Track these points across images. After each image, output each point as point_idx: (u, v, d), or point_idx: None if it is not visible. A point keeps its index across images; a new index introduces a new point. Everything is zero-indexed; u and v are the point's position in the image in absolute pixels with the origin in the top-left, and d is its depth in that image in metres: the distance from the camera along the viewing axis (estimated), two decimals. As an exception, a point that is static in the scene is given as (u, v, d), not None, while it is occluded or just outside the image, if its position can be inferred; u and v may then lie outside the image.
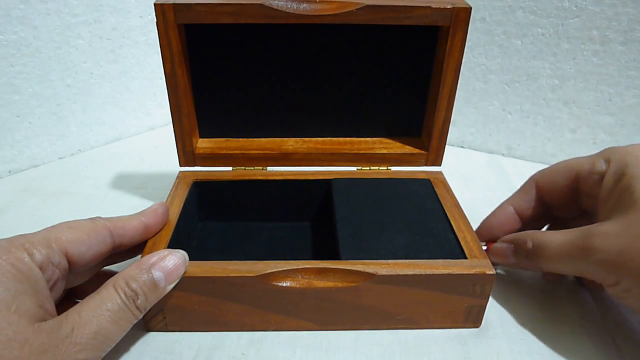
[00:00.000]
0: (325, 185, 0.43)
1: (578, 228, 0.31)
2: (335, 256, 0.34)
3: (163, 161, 0.57)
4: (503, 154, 0.60)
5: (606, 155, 0.33)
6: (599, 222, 0.31)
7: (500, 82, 0.57)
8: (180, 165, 0.43)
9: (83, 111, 0.58)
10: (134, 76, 0.61)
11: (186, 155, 0.43)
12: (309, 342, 0.33)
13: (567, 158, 0.37)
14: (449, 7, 0.36)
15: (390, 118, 0.45)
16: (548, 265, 0.33)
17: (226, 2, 0.35)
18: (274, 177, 0.43)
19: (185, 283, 0.31)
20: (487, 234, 0.39)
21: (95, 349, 0.26)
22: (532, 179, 0.38)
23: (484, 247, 0.38)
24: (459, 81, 0.40)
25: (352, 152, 0.44)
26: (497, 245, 0.37)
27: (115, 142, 0.62)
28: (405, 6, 0.36)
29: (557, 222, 0.39)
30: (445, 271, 0.31)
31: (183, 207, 0.38)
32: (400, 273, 0.31)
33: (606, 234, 0.29)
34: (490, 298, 0.34)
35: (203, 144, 0.44)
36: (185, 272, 0.31)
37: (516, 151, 0.59)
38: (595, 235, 0.30)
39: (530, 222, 0.38)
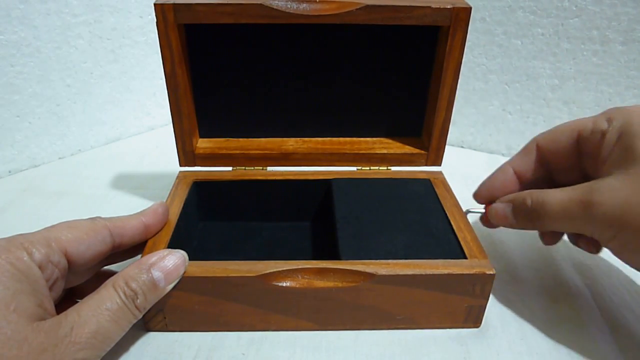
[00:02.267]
0: (325, 185, 0.43)
1: (578, 185, 0.31)
2: (335, 256, 0.34)
3: (163, 161, 0.57)
4: (503, 154, 0.60)
5: (608, 114, 0.33)
6: (599, 179, 0.31)
7: (500, 82, 0.57)
8: (180, 165, 0.43)
9: (83, 111, 0.58)
10: (134, 76, 0.61)
11: (186, 155, 0.43)
12: (309, 342, 0.33)
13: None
14: (449, 7, 0.36)
15: (390, 118, 0.45)
16: (548, 223, 0.32)
17: (226, 2, 0.35)
18: (274, 177, 0.43)
19: (185, 283, 0.31)
20: (487, 195, 0.38)
21: (95, 349, 0.26)
22: (533, 140, 0.37)
23: (482, 210, 0.38)
24: (459, 81, 0.40)
25: (352, 152, 0.44)
26: (496, 205, 0.36)
27: (115, 142, 0.62)
28: (405, 6, 0.36)
29: (559, 187, 0.38)
30: (445, 271, 0.31)
31: (183, 207, 0.38)
32: (400, 273, 0.31)
33: (606, 189, 0.29)
34: (490, 298, 0.34)
35: (203, 144, 0.44)
36: (185, 272, 0.31)
37: (516, 151, 0.59)
38: (595, 190, 0.30)
39: (531, 185, 0.37)
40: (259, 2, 0.35)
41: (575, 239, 0.37)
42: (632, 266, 0.32)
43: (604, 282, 0.39)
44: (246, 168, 0.44)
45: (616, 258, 0.32)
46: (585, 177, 0.35)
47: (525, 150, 0.38)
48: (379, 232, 0.36)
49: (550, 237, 0.37)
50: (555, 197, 0.32)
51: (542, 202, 0.32)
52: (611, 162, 0.31)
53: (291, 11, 0.36)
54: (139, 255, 0.33)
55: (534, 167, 0.37)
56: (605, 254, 0.40)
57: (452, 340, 0.33)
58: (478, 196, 0.39)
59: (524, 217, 0.34)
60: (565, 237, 0.38)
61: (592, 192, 0.30)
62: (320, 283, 0.31)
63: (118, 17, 0.57)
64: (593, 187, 0.30)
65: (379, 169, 0.44)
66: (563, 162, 0.36)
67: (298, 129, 0.45)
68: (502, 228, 0.37)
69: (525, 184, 0.38)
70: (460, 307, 0.33)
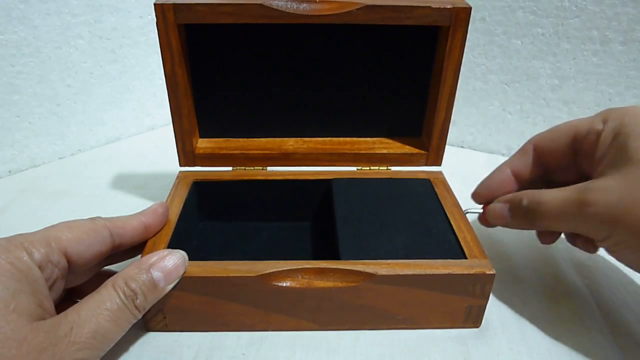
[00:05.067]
0: (325, 185, 0.43)
1: (573, 185, 0.31)
2: (335, 256, 0.34)
3: (163, 161, 0.57)
4: (503, 154, 0.60)
5: (604, 115, 0.33)
6: (594, 179, 0.31)
7: (500, 82, 0.57)
8: (180, 165, 0.43)
9: (83, 111, 0.58)
10: (134, 76, 0.61)
11: (186, 155, 0.43)
12: (308, 342, 0.33)
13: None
14: (449, 7, 0.36)
15: (390, 118, 0.45)
16: (544, 222, 0.33)
17: (226, 2, 0.35)
18: (274, 177, 0.43)
19: (185, 283, 0.31)
20: (484, 195, 0.39)
21: (94, 348, 0.26)
22: (530, 141, 0.38)
23: (480, 210, 0.38)
24: (459, 81, 0.40)
25: (352, 152, 0.44)
26: (493, 205, 0.37)
27: (115, 142, 0.62)
28: (405, 6, 0.36)
29: (556, 187, 0.39)
30: (445, 271, 0.31)
31: (183, 207, 0.38)
32: (400, 273, 0.31)
33: (601, 188, 0.30)
34: (490, 298, 0.34)
35: (203, 144, 0.44)
36: (185, 272, 0.31)
37: (516, 151, 0.59)
38: (590, 190, 0.30)
39: (528, 185, 0.38)
40: (259, 2, 0.35)
41: (573, 238, 0.37)
42: (627, 265, 0.32)
43: (604, 282, 0.39)
44: (246, 168, 0.44)
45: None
46: (582, 177, 0.35)
47: (522, 150, 0.38)
48: (379, 232, 0.36)
49: (547, 236, 0.38)
50: (551, 196, 0.32)
51: (538, 202, 0.33)
52: (606, 162, 0.31)
53: (291, 11, 0.36)
54: (139, 256, 0.33)
55: (531, 167, 0.38)
56: (605, 253, 0.40)
57: (452, 340, 0.33)
58: (476, 196, 0.39)
59: (521, 216, 0.34)
60: (563, 236, 0.38)
61: (587, 192, 0.30)
62: (320, 283, 0.31)
63: (118, 17, 0.57)
64: (588, 187, 0.30)
65: (379, 169, 0.44)
66: (560, 162, 0.36)
67: (298, 129, 0.45)
68: (500, 228, 0.37)
69: (523, 184, 0.38)
70: (460, 307, 0.33)
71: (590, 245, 0.36)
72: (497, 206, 0.36)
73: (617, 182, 0.29)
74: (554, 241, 0.38)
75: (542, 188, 0.38)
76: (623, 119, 0.32)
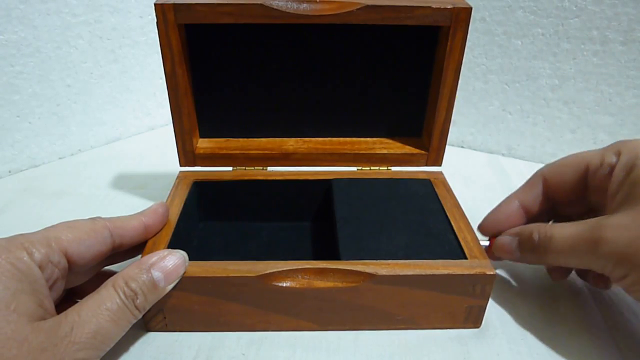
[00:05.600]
0: (325, 185, 0.43)
1: (586, 220, 0.31)
2: (335, 256, 0.34)
3: (163, 161, 0.57)
4: (503, 154, 0.60)
5: (616, 148, 0.32)
6: (608, 215, 0.30)
7: (500, 82, 0.57)
8: (181, 165, 0.43)
9: (83, 111, 0.58)
10: (134, 76, 0.61)
11: (186, 155, 0.43)
12: (308, 343, 0.33)
13: (567, 157, 0.36)
14: (449, 7, 0.36)
15: (390, 118, 0.45)
16: (555, 258, 0.32)
17: (226, 2, 0.35)
18: (274, 177, 0.43)
19: (185, 283, 0.31)
20: (491, 228, 0.38)
21: (94, 349, 0.26)
22: (539, 172, 0.37)
23: (487, 243, 0.38)
24: (459, 81, 0.40)
25: (352, 152, 0.44)
26: (501, 238, 0.36)
27: (115, 142, 0.62)
28: (406, 6, 0.36)
29: (563, 219, 0.38)
30: (446, 271, 0.31)
31: (183, 207, 0.38)
32: (400, 273, 0.31)
33: (616, 225, 0.29)
34: (490, 298, 0.34)
35: (203, 144, 0.44)
36: (185, 272, 0.31)
37: (516, 151, 0.59)
38: (604, 226, 0.29)
39: (536, 217, 0.37)
40: (259, 2, 0.35)
41: (584, 274, 0.37)
42: None
43: (604, 282, 0.39)
44: (246, 168, 0.44)
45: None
46: (591, 211, 0.35)
47: (530, 183, 0.37)
48: (379, 232, 0.36)
49: (558, 272, 0.37)
50: (563, 232, 0.31)
51: (549, 237, 0.32)
52: (620, 198, 0.30)
53: (291, 11, 0.36)
54: (139, 256, 0.33)
55: (540, 200, 0.37)
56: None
57: (452, 341, 0.33)
58: (483, 229, 0.38)
59: (530, 251, 0.33)
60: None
61: (601, 229, 0.29)
62: (320, 283, 0.31)
63: (118, 17, 0.57)
64: (601, 223, 0.29)
65: (379, 169, 0.44)
66: (569, 196, 0.35)
67: (298, 129, 0.45)
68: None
69: (530, 217, 0.37)
70: (460, 307, 0.33)
71: (601, 282, 0.35)
72: (506, 239, 0.35)
73: (631, 219, 0.28)
74: (565, 277, 0.37)
75: (549, 221, 0.38)
76: (637, 152, 0.31)
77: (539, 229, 0.33)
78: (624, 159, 0.31)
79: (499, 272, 0.40)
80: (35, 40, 0.51)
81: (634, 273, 0.28)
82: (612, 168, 0.32)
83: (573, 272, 0.40)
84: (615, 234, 0.28)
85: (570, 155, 0.36)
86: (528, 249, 0.33)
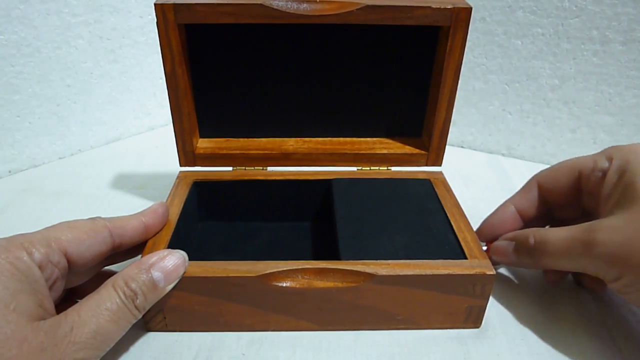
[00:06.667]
0: (325, 185, 0.43)
1: (580, 224, 0.31)
2: (335, 256, 0.34)
3: (163, 161, 0.57)
4: (503, 154, 0.60)
5: (608, 153, 0.33)
6: (601, 218, 0.31)
7: (500, 82, 0.57)
8: (181, 165, 0.43)
9: (83, 111, 0.58)
10: (134, 76, 0.61)
11: (186, 155, 0.43)
12: (309, 342, 0.33)
13: (567, 158, 0.37)
14: (449, 7, 0.36)
15: (390, 118, 0.45)
16: (550, 262, 0.32)
17: (226, 2, 0.35)
18: (274, 177, 0.43)
19: (185, 283, 0.31)
20: (488, 233, 0.39)
21: (94, 348, 0.26)
22: (534, 178, 0.38)
23: (484, 248, 0.38)
24: (459, 81, 0.40)
25: (353, 152, 0.44)
26: (498, 243, 0.37)
27: (115, 142, 0.62)
28: (406, 6, 0.36)
29: (558, 223, 0.39)
30: (445, 271, 0.31)
31: (183, 207, 0.38)
32: (400, 273, 0.31)
33: (609, 228, 0.29)
34: (490, 298, 0.34)
35: (203, 144, 0.44)
36: (185, 272, 0.31)
37: (516, 151, 0.59)
38: (598, 229, 0.30)
39: (532, 222, 0.38)
40: (259, 2, 0.35)
41: (579, 278, 0.37)
42: (638, 307, 0.31)
43: (604, 282, 0.39)
44: (246, 168, 0.44)
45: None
46: (586, 214, 0.36)
47: (525, 188, 0.38)
48: (379, 232, 0.36)
49: (553, 275, 0.37)
50: (558, 235, 0.32)
51: (545, 241, 0.32)
52: (613, 201, 0.31)
53: (291, 11, 0.36)
54: (139, 256, 0.33)
55: (535, 204, 0.37)
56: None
57: (452, 341, 0.33)
58: (480, 233, 0.39)
59: (526, 254, 0.34)
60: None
61: (594, 231, 0.30)
62: (320, 283, 0.31)
63: (118, 17, 0.57)
64: (594, 226, 0.30)
65: (379, 169, 0.44)
66: (563, 200, 0.36)
67: (298, 129, 0.45)
68: None
69: (527, 221, 0.38)
70: (460, 307, 0.33)
71: (597, 285, 0.36)
72: (502, 244, 0.36)
73: (624, 222, 0.29)
74: (561, 280, 0.38)
75: (546, 224, 0.39)
76: (628, 157, 0.31)
77: (534, 233, 0.33)
78: (616, 163, 0.32)
79: (499, 272, 0.40)
80: (35, 40, 0.51)
81: (628, 275, 0.29)
82: (605, 173, 0.32)
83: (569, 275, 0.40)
84: (608, 236, 0.29)
85: (564, 161, 0.37)
86: (524, 252, 0.34)
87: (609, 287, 0.31)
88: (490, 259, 0.37)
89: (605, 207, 0.32)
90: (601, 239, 0.29)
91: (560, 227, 0.32)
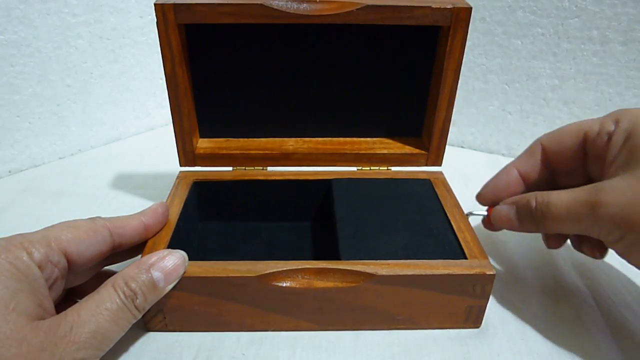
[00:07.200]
0: (325, 185, 0.43)
1: (584, 186, 0.31)
2: (335, 256, 0.34)
3: (163, 161, 0.57)
4: (503, 154, 0.60)
5: (615, 116, 0.33)
6: (606, 180, 0.30)
7: (500, 82, 0.57)
8: (181, 165, 0.43)
9: (83, 111, 0.58)
10: (134, 76, 0.61)
11: (186, 155, 0.43)
12: (308, 342, 0.33)
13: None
14: (449, 7, 0.36)
15: (390, 118, 0.45)
16: (553, 225, 0.32)
17: (226, 2, 0.35)
18: (274, 177, 0.43)
19: (185, 283, 0.31)
20: (490, 197, 0.38)
21: (94, 348, 0.26)
22: (538, 140, 0.37)
23: (485, 212, 0.37)
24: (459, 81, 0.40)
25: (353, 152, 0.44)
26: (499, 207, 0.36)
27: (115, 142, 0.62)
28: (406, 6, 0.36)
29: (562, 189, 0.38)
30: (445, 271, 0.31)
31: (183, 207, 0.38)
32: (400, 273, 0.31)
33: (613, 188, 0.29)
34: (490, 298, 0.34)
35: (203, 144, 0.44)
36: (185, 272, 0.31)
37: (516, 151, 0.59)
38: (602, 190, 0.29)
39: (535, 187, 0.37)
40: (259, 2, 0.35)
41: (579, 243, 0.37)
42: (638, 267, 0.31)
43: (604, 282, 0.39)
44: (246, 168, 0.44)
45: (616, 259, 0.32)
46: (590, 180, 0.35)
47: (529, 151, 0.37)
48: (379, 232, 0.36)
49: (554, 240, 0.37)
50: (561, 197, 0.31)
51: (547, 203, 0.32)
52: (618, 163, 0.31)
53: (291, 11, 0.36)
54: (139, 256, 0.33)
55: (538, 168, 0.37)
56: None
57: (452, 341, 0.33)
58: (481, 198, 0.38)
59: (528, 219, 0.33)
60: (568, 242, 0.38)
61: (599, 192, 0.29)
62: (320, 283, 0.31)
63: (118, 17, 0.57)
64: (599, 188, 0.30)
65: (379, 169, 0.44)
66: (568, 164, 0.36)
67: (298, 129, 0.45)
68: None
69: (530, 186, 0.37)
70: (460, 307, 0.33)
71: (596, 250, 0.35)
72: (503, 208, 0.35)
73: (629, 183, 0.29)
74: (561, 245, 0.37)
75: (549, 190, 0.38)
76: (636, 120, 0.31)
77: (536, 196, 0.33)
78: (623, 126, 0.32)
79: (499, 272, 0.40)
80: (35, 40, 0.51)
81: (629, 235, 0.29)
82: (611, 135, 0.32)
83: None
84: (612, 198, 0.29)
85: (570, 124, 0.36)
86: (526, 216, 0.33)
87: (610, 248, 0.31)
88: (491, 224, 0.37)
89: (609, 169, 0.31)
90: (605, 200, 0.29)
91: (563, 190, 0.32)
